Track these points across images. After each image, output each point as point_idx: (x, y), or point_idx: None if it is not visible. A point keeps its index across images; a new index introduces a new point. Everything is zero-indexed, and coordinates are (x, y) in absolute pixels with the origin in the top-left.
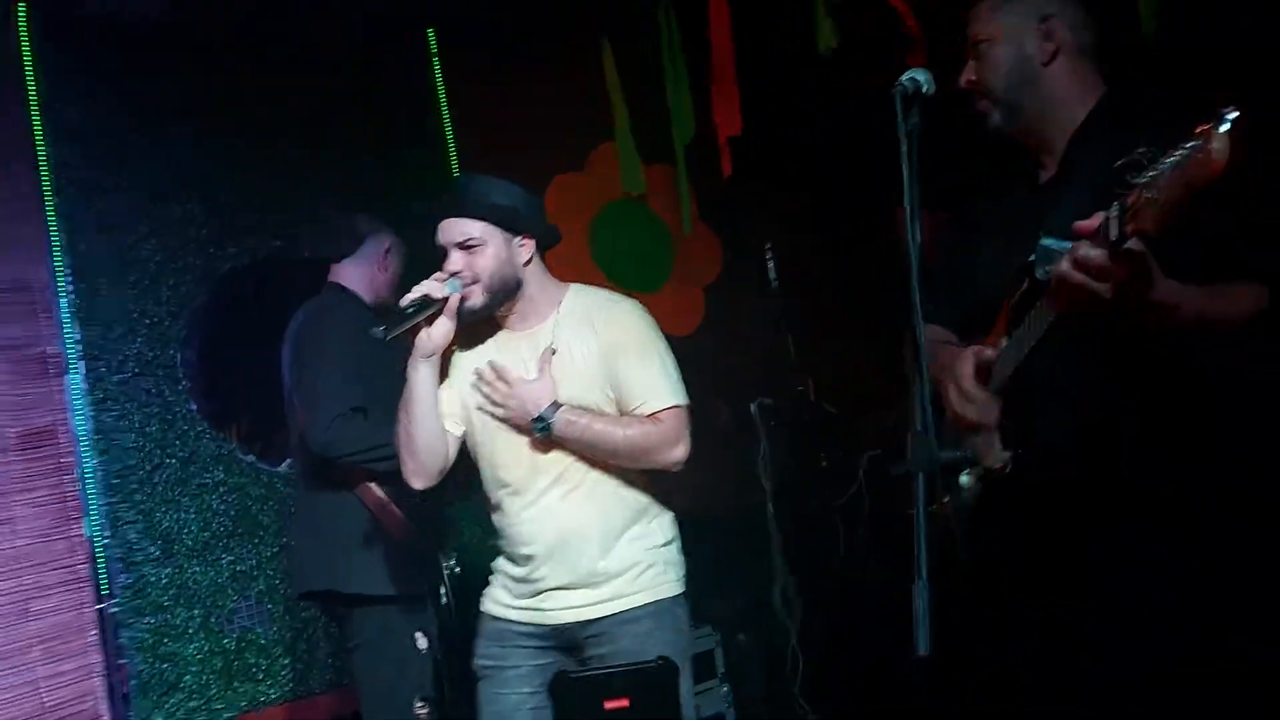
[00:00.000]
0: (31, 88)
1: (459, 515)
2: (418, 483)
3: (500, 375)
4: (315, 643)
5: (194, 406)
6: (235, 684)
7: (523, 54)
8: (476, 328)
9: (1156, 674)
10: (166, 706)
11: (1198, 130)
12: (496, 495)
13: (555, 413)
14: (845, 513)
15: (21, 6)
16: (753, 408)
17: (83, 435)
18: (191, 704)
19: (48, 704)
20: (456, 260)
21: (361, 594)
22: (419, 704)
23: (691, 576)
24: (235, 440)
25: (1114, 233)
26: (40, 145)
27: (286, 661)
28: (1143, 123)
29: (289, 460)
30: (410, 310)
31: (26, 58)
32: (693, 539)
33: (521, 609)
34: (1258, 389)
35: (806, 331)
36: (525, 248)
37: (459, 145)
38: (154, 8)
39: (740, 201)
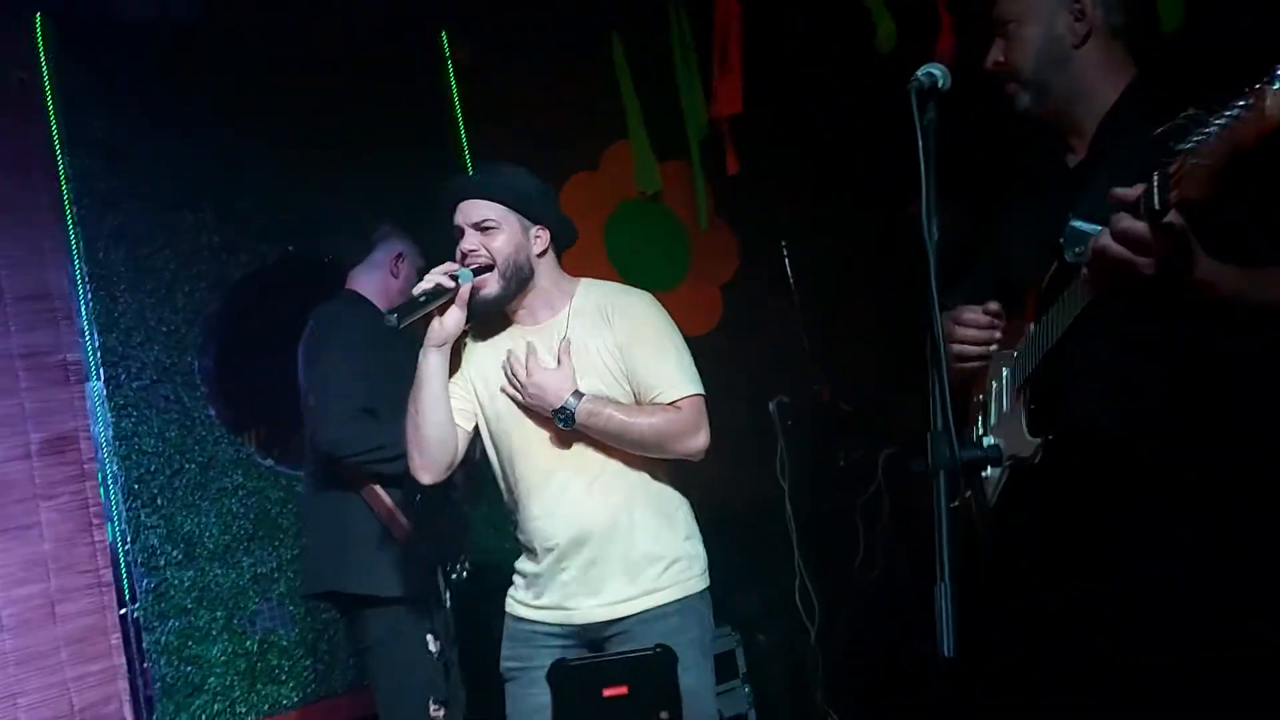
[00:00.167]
0: (50, 99)
1: (472, 518)
2: (425, 477)
3: (523, 362)
4: (336, 644)
5: (212, 412)
6: (259, 686)
7: (536, 53)
8: (488, 324)
9: (1177, 658)
10: (191, 709)
11: (1249, 90)
12: (516, 491)
13: (577, 402)
14: (864, 511)
15: (39, 17)
16: (771, 406)
17: (104, 441)
18: (216, 706)
19: (77, 706)
20: (472, 239)
21: (369, 595)
22: (434, 706)
23: (712, 576)
24: (254, 444)
25: (1157, 201)
26: (59, 155)
27: (309, 663)
28: (1177, 105)
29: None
30: (422, 299)
31: (45, 68)
32: (712, 539)
33: (545, 608)
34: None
35: (823, 329)
36: (540, 239)
37: (473, 147)
38: (170, 19)
39: (757, 198)
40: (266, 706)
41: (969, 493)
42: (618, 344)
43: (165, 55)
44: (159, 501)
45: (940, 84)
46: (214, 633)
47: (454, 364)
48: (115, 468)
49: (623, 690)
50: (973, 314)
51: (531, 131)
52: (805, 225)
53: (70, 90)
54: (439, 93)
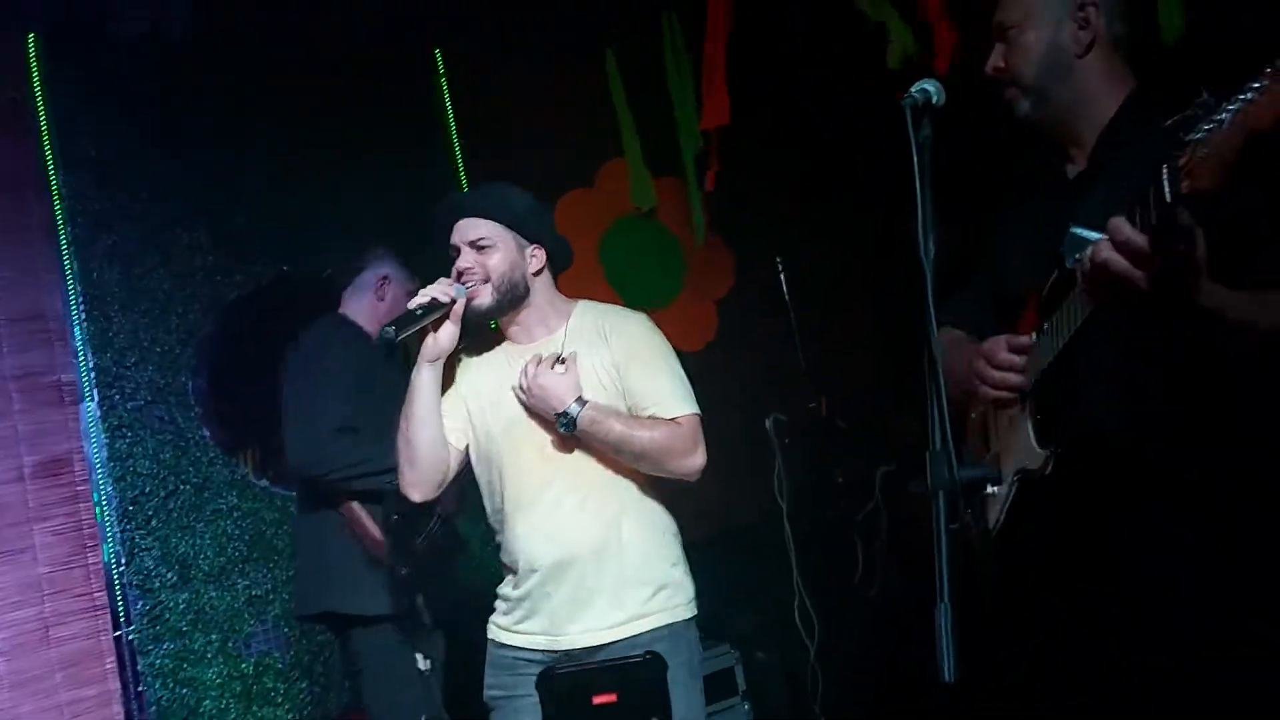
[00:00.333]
0: (43, 118)
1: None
2: (415, 494)
3: (532, 362)
4: (332, 666)
5: (206, 433)
6: (254, 708)
7: (530, 71)
8: (482, 343)
9: (1181, 659)
10: None
11: (1265, 72)
12: (504, 511)
13: (581, 408)
14: (863, 528)
15: (31, 36)
16: (767, 423)
17: (98, 463)
18: None
19: None
20: (468, 257)
21: (354, 614)
22: None
23: (710, 594)
24: (248, 465)
25: (1167, 193)
26: (52, 175)
27: (304, 685)
28: (1164, 128)
29: None
30: (419, 312)
31: (38, 87)
32: (710, 556)
33: (530, 634)
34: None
35: (820, 344)
36: (536, 257)
37: (467, 166)
38: (163, 38)
39: (752, 213)
40: None
41: (969, 513)
42: (614, 363)
43: (158, 75)
44: (154, 523)
45: (934, 100)
46: (209, 655)
47: (447, 382)
48: (110, 489)
49: (612, 698)
50: (1007, 355)
51: (526, 149)
52: (800, 240)
53: (63, 110)
54: (433, 112)
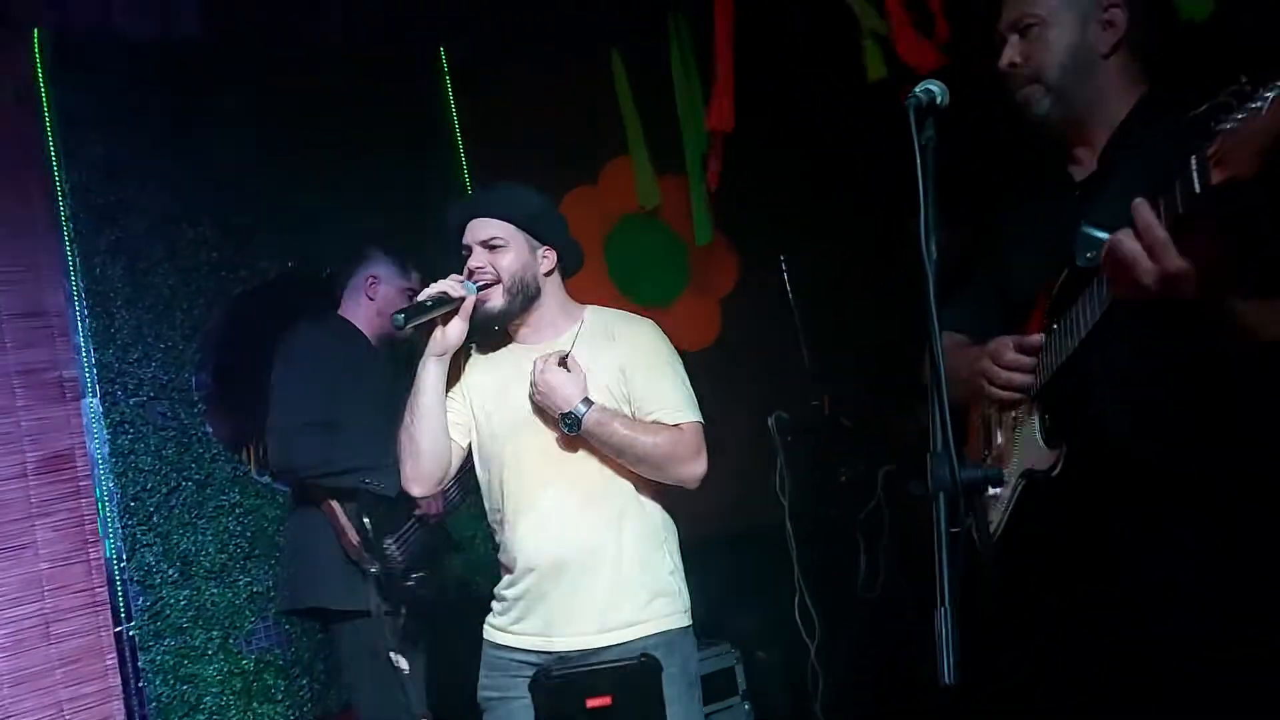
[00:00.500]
0: (47, 113)
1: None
2: (416, 489)
3: (541, 359)
4: (332, 663)
5: (209, 429)
6: (254, 705)
7: (535, 69)
8: (489, 342)
9: (1181, 659)
10: None
11: None
12: (504, 510)
13: (587, 409)
14: (865, 527)
15: (36, 32)
16: (770, 421)
17: (100, 459)
18: None
19: None
20: (479, 257)
21: (327, 609)
22: None
23: (711, 593)
24: (251, 462)
25: (1197, 184)
26: (56, 171)
27: (305, 682)
28: (1189, 121)
29: None
30: (429, 304)
31: (42, 84)
32: (711, 555)
33: (523, 635)
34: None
35: (823, 343)
36: (548, 259)
37: (472, 164)
38: (168, 35)
39: (756, 212)
40: None
41: (970, 515)
42: (620, 367)
43: (163, 71)
44: (155, 519)
45: (938, 101)
46: (210, 652)
47: (453, 379)
48: (111, 485)
49: (606, 701)
50: (1014, 355)
51: (530, 147)
52: (804, 238)
53: (68, 105)
54: (437, 110)
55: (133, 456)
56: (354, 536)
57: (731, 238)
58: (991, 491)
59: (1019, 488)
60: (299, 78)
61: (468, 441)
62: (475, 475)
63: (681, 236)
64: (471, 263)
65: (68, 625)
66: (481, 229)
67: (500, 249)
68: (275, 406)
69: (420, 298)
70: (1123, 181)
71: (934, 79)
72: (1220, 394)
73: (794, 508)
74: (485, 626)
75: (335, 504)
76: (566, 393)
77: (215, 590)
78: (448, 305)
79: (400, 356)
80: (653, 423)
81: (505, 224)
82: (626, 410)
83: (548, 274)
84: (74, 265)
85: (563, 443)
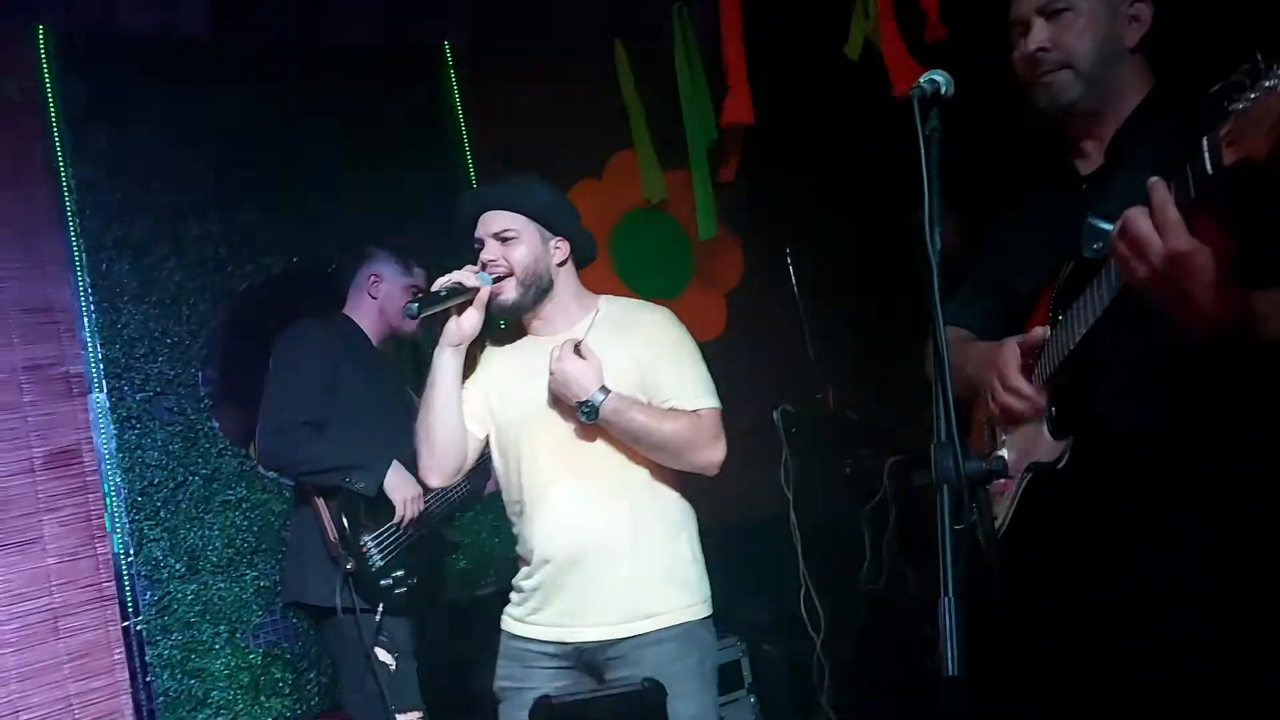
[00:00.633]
0: (53, 110)
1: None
2: (433, 480)
3: (558, 347)
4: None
5: (215, 424)
6: (262, 698)
7: (539, 62)
8: (505, 334)
9: (1184, 657)
10: None
11: None
12: (521, 501)
13: (603, 397)
14: (870, 519)
15: (41, 28)
16: (775, 414)
17: (107, 454)
18: (219, 719)
19: None
20: (492, 249)
21: (312, 605)
22: (400, 718)
23: (716, 586)
24: (256, 457)
25: (1208, 165)
26: (62, 168)
27: (312, 675)
28: (1195, 115)
29: None
30: (443, 293)
31: (47, 80)
32: (716, 548)
33: (541, 625)
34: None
35: (828, 335)
36: (560, 249)
37: (477, 157)
38: (173, 31)
39: (761, 205)
40: (271, 719)
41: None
42: (635, 356)
43: (168, 67)
44: (162, 514)
45: (943, 91)
46: (217, 646)
47: (468, 372)
48: (118, 480)
49: None
50: (1016, 383)
51: (535, 141)
52: (809, 231)
53: (73, 102)
54: (441, 104)
55: (139, 451)
56: (333, 534)
57: (737, 231)
58: (997, 484)
59: (1024, 481)
60: (303, 73)
61: (485, 433)
62: (470, 490)
63: (687, 230)
64: (484, 255)
65: (76, 620)
66: (493, 221)
67: (513, 241)
68: (265, 403)
69: (435, 287)
70: (1130, 174)
71: (939, 70)
72: (1225, 392)
73: (799, 501)
74: (503, 617)
75: (320, 501)
76: (583, 381)
77: (222, 585)
78: (462, 295)
79: (405, 355)
80: (670, 410)
81: (517, 215)
82: (643, 400)
83: (560, 265)
84: (80, 261)
85: (580, 432)
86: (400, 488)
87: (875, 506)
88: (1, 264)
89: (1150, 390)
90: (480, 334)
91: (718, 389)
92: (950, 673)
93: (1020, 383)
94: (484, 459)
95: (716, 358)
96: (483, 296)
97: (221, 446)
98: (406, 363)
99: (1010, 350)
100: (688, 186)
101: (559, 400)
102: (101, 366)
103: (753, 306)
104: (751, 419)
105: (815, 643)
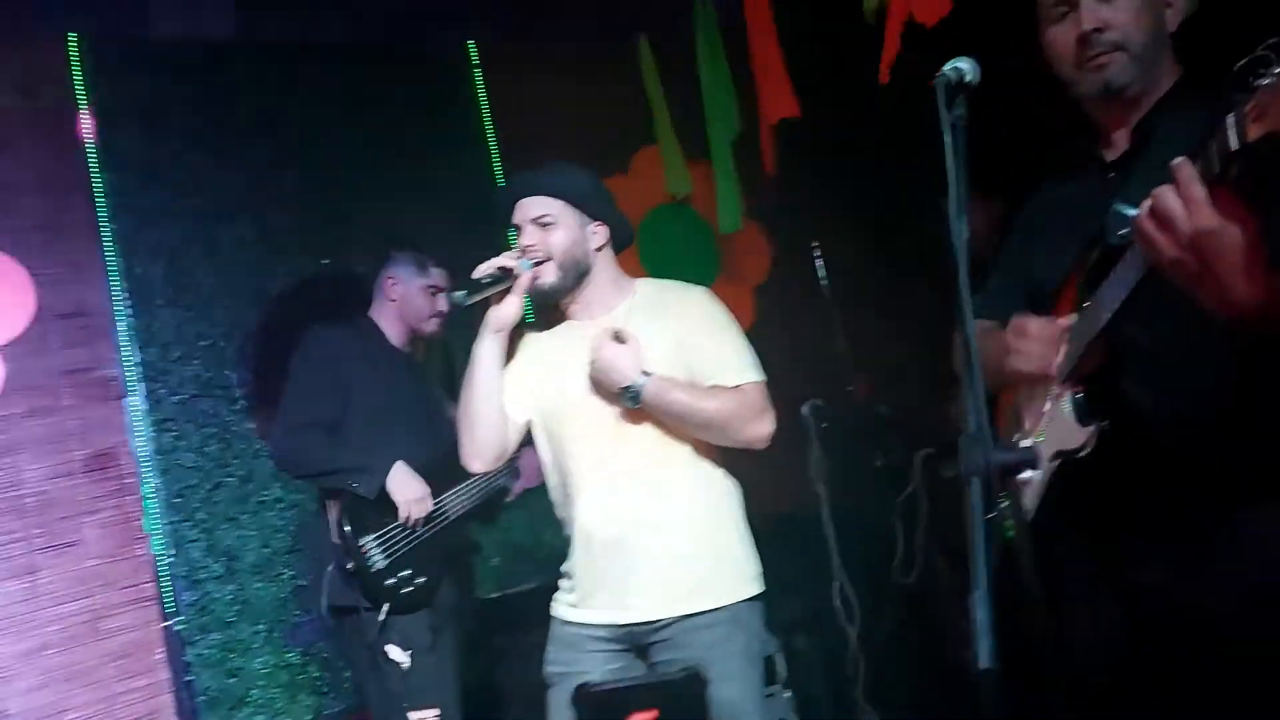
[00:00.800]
0: (86, 117)
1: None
2: (476, 465)
3: (596, 336)
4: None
5: (251, 426)
6: (300, 697)
7: (563, 58)
8: (545, 320)
9: (1198, 650)
10: None
11: None
12: (567, 485)
13: (646, 380)
14: (902, 513)
15: (72, 35)
16: (804, 409)
17: (144, 456)
18: (258, 718)
19: None
20: (531, 234)
21: (330, 604)
22: (415, 715)
23: None
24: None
25: (1233, 141)
26: (96, 174)
27: (348, 674)
28: (1220, 99)
29: None
30: (486, 280)
31: (79, 86)
32: None
33: (593, 609)
34: None
35: (857, 329)
36: (598, 234)
37: (503, 154)
38: (203, 36)
39: (788, 198)
40: (309, 717)
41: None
42: (675, 337)
43: (199, 72)
44: (199, 516)
45: (968, 78)
46: (255, 645)
47: (509, 358)
48: (156, 482)
49: (652, 715)
50: (1039, 325)
51: (561, 137)
52: (837, 224)
53: (106, 109)
54: (468, 103)
55: (176, 454)
56: (335, 534)
57: (764, 225)
58: (1026, 475)
59: (1052, 470)
60: (331, 76)
61: (525, 419)
62: (499, 489)
63: (714, 225)
64: (523, 241)
65: (116, 621)
66: (532, 207)
67: (551, 226)
68: (281, 405)
69: (476, 274)
70: (1156, 159)
71: (965, 57)
72: (1245, 382)
73: (831, 494)
74: (553, 603)
75: (329, 502)
76: (624, 366)
77: (259, 585)
78: (504, 282)
79: (434, 356)
80: (713, 387)
81: (555, 200)
82: (685, 379)
83: (599, 249)
84: (116, 266)
85: (620, 417)
86: (403, 489)
87: (908, 499)
88: (38, 270)
89: (1170, 380)
90: (519, 322)
91: None
92: (984, 665)
93: (1037, 324)
94: (514, 458)
95: None
96: (523, 281)
97: (257, 448)
98: (437, 362)
99: (1023, 316)
100: (713, 180)
101: (601, 386)
102: (138, 370)
103: (781, 301)
104: (781, 413)
105: (850, 637)
